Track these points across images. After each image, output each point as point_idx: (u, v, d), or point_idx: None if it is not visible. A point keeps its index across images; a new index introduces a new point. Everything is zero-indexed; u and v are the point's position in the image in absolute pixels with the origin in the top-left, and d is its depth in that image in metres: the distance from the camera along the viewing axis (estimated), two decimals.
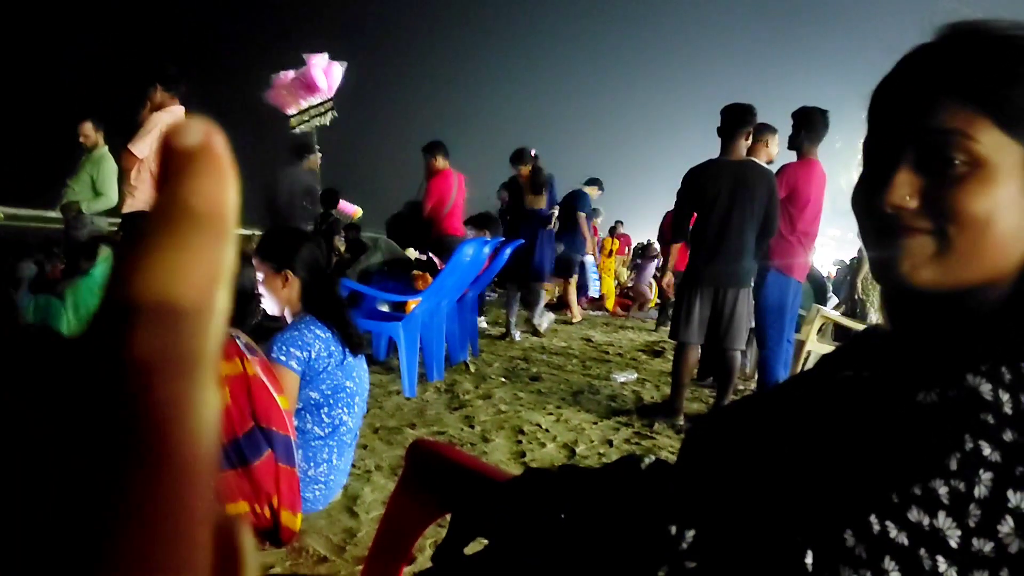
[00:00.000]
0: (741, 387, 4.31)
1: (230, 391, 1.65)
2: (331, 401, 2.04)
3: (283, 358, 1.93)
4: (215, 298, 0.14)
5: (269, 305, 2.11)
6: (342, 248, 6.47)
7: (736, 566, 0.48)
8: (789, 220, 3.80)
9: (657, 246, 9.19)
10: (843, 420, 0.52)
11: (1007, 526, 0.39)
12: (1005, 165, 0.53)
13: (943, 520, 0.40)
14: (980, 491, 0.40)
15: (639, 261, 10.49)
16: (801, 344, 4.28)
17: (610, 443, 3.15)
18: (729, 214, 3.42)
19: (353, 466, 2.31)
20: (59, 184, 5.28)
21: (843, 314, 5.22)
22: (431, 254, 5.00)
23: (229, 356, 1.65)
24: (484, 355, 5.02)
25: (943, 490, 0.40)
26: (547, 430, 3.26)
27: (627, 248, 12.06)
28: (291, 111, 6.65)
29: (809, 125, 3.84)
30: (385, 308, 4.31)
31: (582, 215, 6.72)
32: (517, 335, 5.84)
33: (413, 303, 3.92)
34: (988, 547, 0.39)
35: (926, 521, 0.40)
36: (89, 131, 5.13)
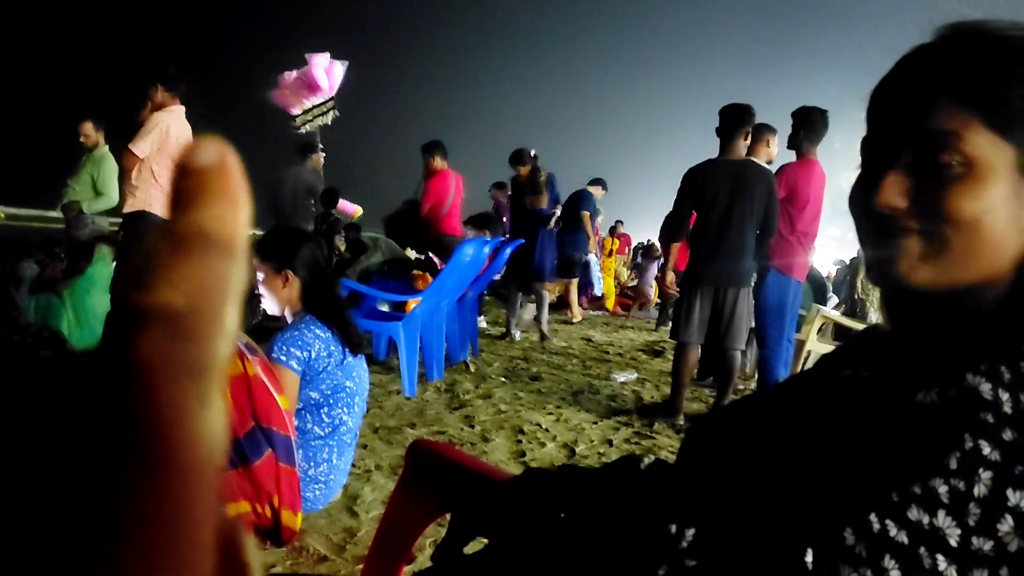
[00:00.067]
0: (741, 387, 4.31)
1: (230, 391, 1.65)
2: (331, 401, 2.04)
3: (283, 358, 1.93)
4: (224, 316, 0.14)
5: (269, 305, 2.11)
6: (342, 248, 6.47)
7: (736, 565, 0.48)
8: (789, 220, 3.80)
9: (659, 246, 9.18)
10: (843, 420, 0.52)
11: (1007, 525, 0.39)
12: (996, 166, 0.53)
13: (943, 519, 0.40)
14: (980, 490, 0.40)
15: (641, 261, 10.49)
16: (801, 344, 4.28)
17: (610, 443, 3.15)
18: (729, 214, 3.42)
19: (353, 466, 2.31)
20: (60, 184, 5.28)
21: (843, 314, 5.22)
22: (431, 253, 5.00)
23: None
24: (484, 355, 5.03)
25: (943, 489, 0.40)
26: (547, 430, 3.27)
27: (627, 248, 12.06)
28: (295, 111, 6.67)
29: (808, 125, 3.84)
30: (385, 308, 4.32)
31: (585, 213, 6.73)
32: (517, 335, 5.84)
33: (413, 303, 3.92)
34: (988, 546, 0.39)
35: (926, 520, 0.40)
36: (89, 131, 5.14)
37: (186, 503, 0.13)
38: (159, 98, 3.78)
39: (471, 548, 0.79)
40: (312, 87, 6.67)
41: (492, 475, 1.00)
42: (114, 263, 3.97)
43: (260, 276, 2.08)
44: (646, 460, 0.69)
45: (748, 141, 3.55)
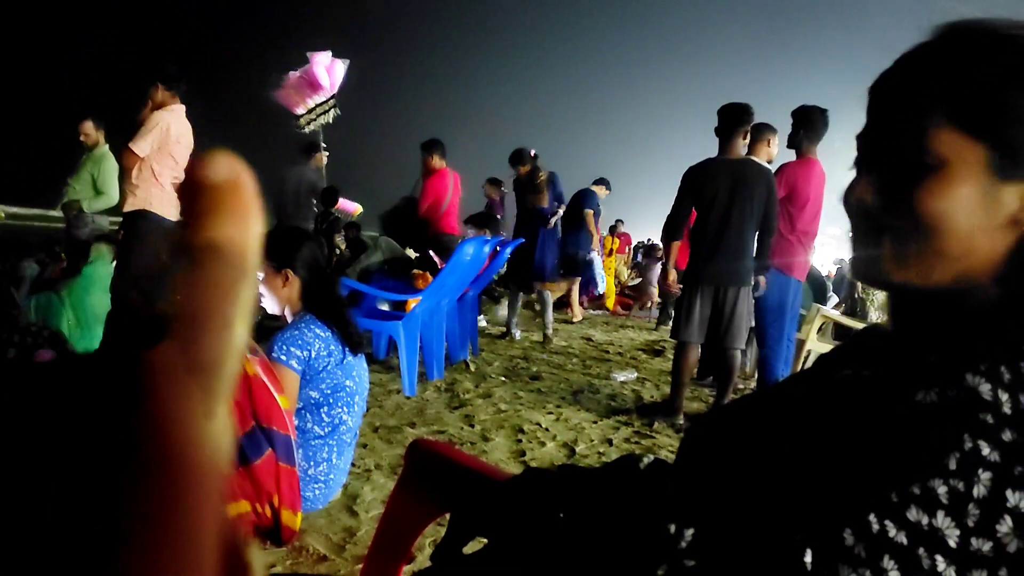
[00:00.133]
0: (741, 386, 4.31)
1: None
2: (331, 400, 2.04)
3: (283, 357, 1.93)
4: (232, 331, 0.15)
5: (269, 304, 2.11)
6: (343, 246, 6.47)
7: (735, 565, 0.48)
8: (789, 219, 3.81)
9: (662, 246, 9.18)
10: (842, 419, 0.52)
11: (1006, 526, 0.39)
12: (965, 165, 0.53)
13: (942, 519, 0.40)
14: (979, 491, 0.40)
15: (645, 260, 10.48)
16: (801, 343, 4.29)
17: (610, 442, 3.15)
18: (728, 213, 3.42)
19: (353, 465, 2.31)
20: (60, 183, 5.28)
21: (843, 313, 5.22)
22: (432, 252, 5.00)
23: None
24: (484, 354, 5.03)
25: (942, 490, 0.40)
26: (547, 429, 3.27)
27: (627, 247, 12.07)
28: (299, 111, 6.68)
29: (808, 124, 3.84)
30: (385, 307, 4.32)
31: (589, 212, 6.73)
32: (517, 334, 5.84)
33: (413, 302, 3.92)
34: (987, 547, 0.39)
35: (925, 520, 0.40)
36: (90, 130, 5.14)
37: (190, 507, 0.13)
38: (159, 97, 3.78)
39: (471, 548, 0.79)
40: (314, 86, 6.67)
41: (492, 475, 1.00)
42: (114, 262, 3.97)
43: (260, 275, 2.07)
44: (645, 460, 0.69)
45: (747, 140, 3.56)
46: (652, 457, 0.69)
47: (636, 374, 4.76)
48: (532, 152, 5.76)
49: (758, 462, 0.54)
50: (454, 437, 3.05)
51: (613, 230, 11.52)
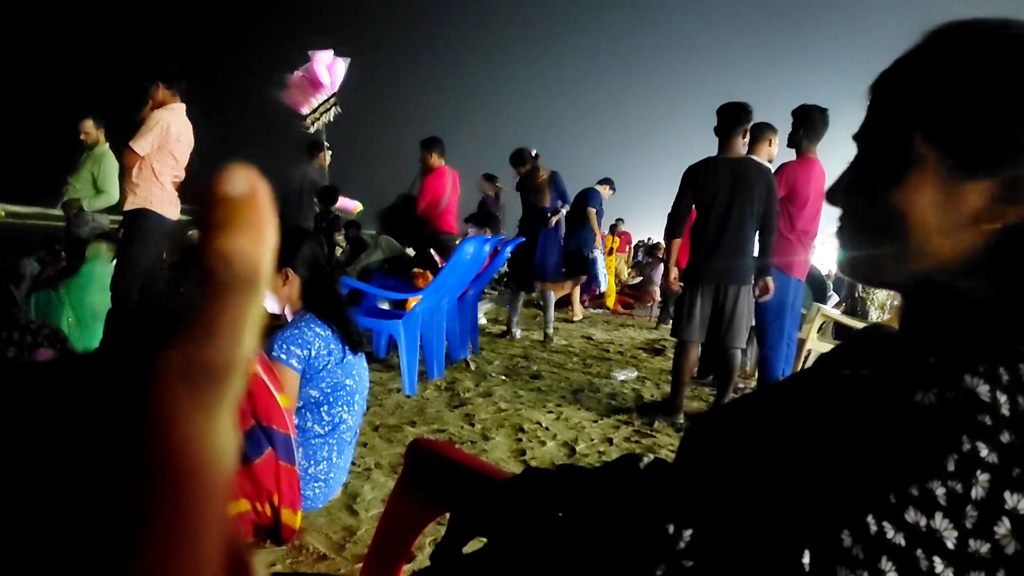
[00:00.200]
0: (741, 385, 4.31)
1: None
2: (331, 399, 2.04)
3: (283, 356, 1.93)
4: (241, 345, 0.15)
5: (269, 303, 2.11)
6: (343, 245, 6.47)
7: (733, 565, 0.48)
8: (789, 219, 3.81)
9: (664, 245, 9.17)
10: (841, 419, 0.52)
11: (1004, 527, 0.39)
12: (929, 163, 0.55)
13: (940, 521, 0.40)
14: (977, 492, 0.40)
15: (643, 259, 10.48)
16: (802, 342, 4.29)
17: (610, 441, 3.16)
18: (728, 211, 3.43)
19: (353, 464, 2.32)
20: (60, 182, 5.28)
21: (843, 312, 5.22)
22: (432, 251, 5.00)
23: None
24: (484, 353, 5.03)
25: (940, 491, 0.40)
26: (547, 428, 3.27)
27: (628, 246, 12.08)
28: (304, 111, 6.68)
29: (808, 123, 3.84)
30: (385, 306, 4.32)
31: (592, 210, 6.74)
32: (518, 333, 5.84)
33: (413, 301, 3.92)
34: (984, 548, 0.39)
35: (923, 522, 0.40)
36: (90, 128, 5.14)
37: (192, 515, 0.13)
38: (160, 96, 3.78)
39: (470, 547, 0.79)
40: (315, 84, 6.68)
41: (492, 474, 1.00)
42: (114, 261, 3.97)
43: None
44: (646, 459, 0.69)
45: (747, 139, 3.56)
46: (652, 456, 0.69)
47: (636, 373, 4.76)
48: (533, 152, 5.76)
49: (757, 462, 0.54)
50: (454, 436, 3.05)
51: (613, 229, 11.53)
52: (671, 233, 3.72)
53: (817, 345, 4.39)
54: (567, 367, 4.82)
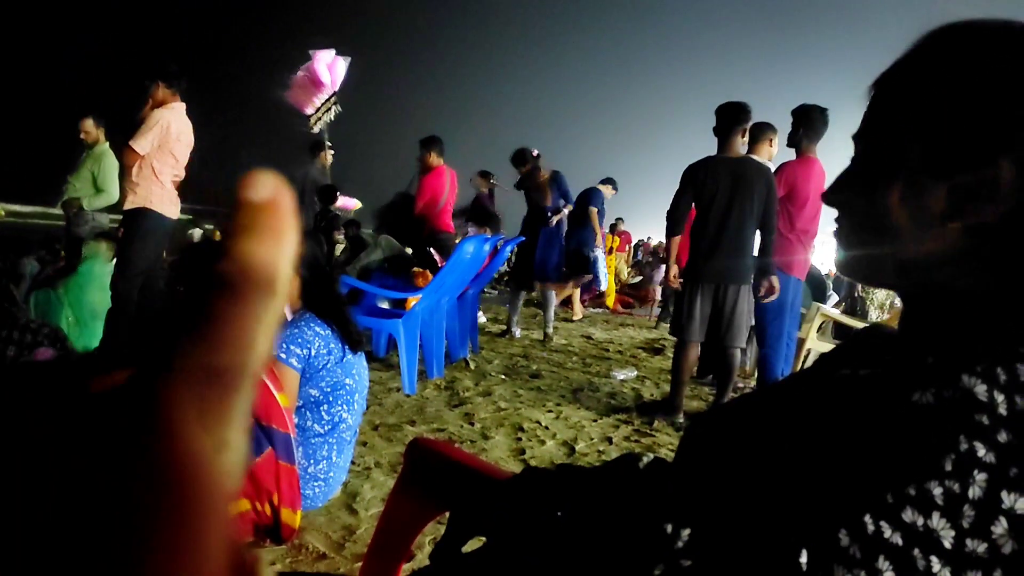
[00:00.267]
0: (741, 385, 4.32)
1: None
2: (331, 398, 2.04)
3: (283, 355, 1.93)
4: (255, 351, 0.15)
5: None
6: (342, 244, 6.47)
7: (731, 565, 0.49)
8: (788, 218, 3.81)
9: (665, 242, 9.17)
10: (839, 419, 0.52)
11: (1001, 527, 0.39)
12: (907, 163, 0.57)
13: (937, 521, 0.40)
14: (974, 492, 0.40)
15: (643, 258, 10.47)
16: (801, 342, 4.29)
17: (610, 440, 3.16)
18: (728, 211, 3.43)
19: (353, 463, 2.32)
20: (60, 181, 5.28)
21: (843, 312, 5.22)
22: (432, 250, 5.00)
23: None
24: (484, 352, 5.03)
25: (937, 491, 0.40)
26: (547, 427, 3.27)
27: (627, 245, 12.08)
28: (308, 111, 6.69)
29: (808, 123, 3.84)
30: (385, 305, 4.32)
31: (593, 210, 6.74)
32: (517, 332, 5.84)
33: (413, 300, 3.92)
34: (982, 548, 0.39)
35: (920, 521, 0.40)
36: (90, 127, 5.14)
37: (199, 519, 0.13)
38: (160, 95, 3.78)
39: (470, 546, 0.79)
40: (316, 83, 6.68)
41: (491, 473, 1.00)
42: (114, 260, 3.98)
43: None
44: (645, 459, 0.69)
45: (746, 139, 3.57)
46: (652, 456, 0.69)
47: (636, 372, 4.76)
48: (535, 152, 5.76)
49: (757, 462, 0.54)
50: (454, 435, 3.06)
51: (613, 228, 11.53)
52: (671, 231, 3.72)
53: (816, 345, 4.39)
54: (567, 366, 4.82)
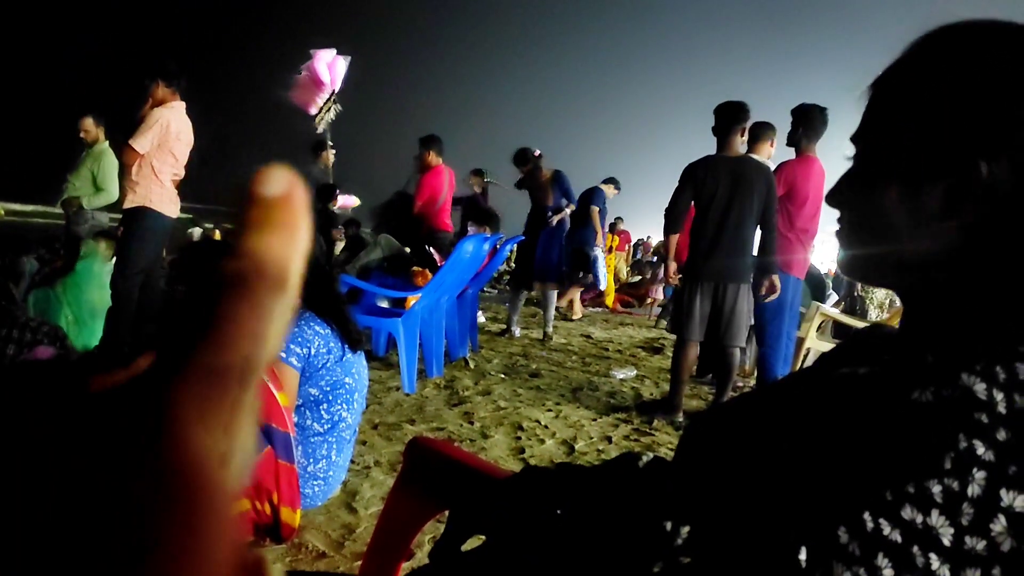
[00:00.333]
0: (740, 384, 4.32)
1: None
2: (330, 397, 2.04)
3: (283, 355, 1.93)
4: (263, 348, 0.15)
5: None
6: (342, 243, 6.47)
7: (730, 562, 0.49)
8: (788, 217, 3.81)
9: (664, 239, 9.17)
10: (839, 418, 0.52)
11: (1000, 525, 0.39)
12: (885, 169, 0.58)
13: (936, 518, 0.40)
14: (973, 490, 0.40)
15: (642, 258, 10.47)
16: (801, 341, 4.29)
17: (609, 439, 3.16)
18: (728, 210, 3.43)
19: (352, 462, 2.32)
20: (60, 180, 5.28)
21: (842, 311, 5.23)
22: (432, 249, 5.00)
23: None
24: (484, 351, 5.03)
25: (937, 488, 0.40)
26: (546, 426, 3.27)
27: (627, 245, 12.09)
28: (312, 111, 6.69)
29: (808, 123, 3.84)
30: (385, 304, 4.32)
31: (595, 209, 6.74)
32: (517, 331, 5.84)
33: (413, 299, 3.92)
34: (981, 545, 0.39)
35: (919, 519, 0.40)
36: (90, 126, 5.13)
37: (202, 520, 0.13)
38: (159, 94, 3.78)
39: (469, 545, 0.79)
40: (317, 83, 6.68)
41: (491, 472, 1.00)
42: (113, 259, 3.97)
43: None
44: (644, 458, 0.69)
45: (745, 138, 3.57)
46: (651, 455, 0.69)
47: (635, 371, 4.76)
48: (536, 152, 5.76)
49: (756, 460, 0.55)
50: (453, 434, 3.06)
51: (613, 227, 11.53)
52: (669, 228, 3.72)
53: (816, 344, 4.39)
54: (566, 365, 4.83)
